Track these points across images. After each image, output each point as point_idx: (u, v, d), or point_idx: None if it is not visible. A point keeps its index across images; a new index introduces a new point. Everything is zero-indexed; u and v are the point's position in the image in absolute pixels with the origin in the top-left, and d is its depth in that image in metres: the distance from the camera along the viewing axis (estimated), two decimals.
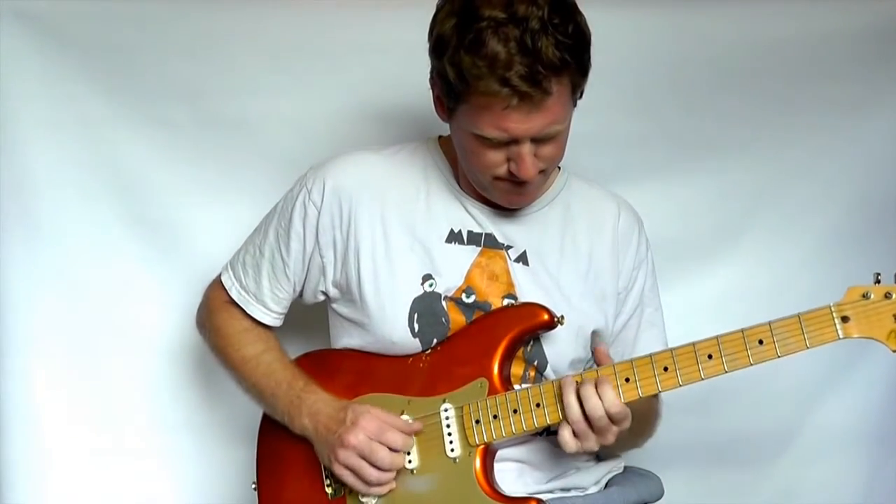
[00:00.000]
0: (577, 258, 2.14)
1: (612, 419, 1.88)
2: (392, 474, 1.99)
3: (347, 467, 1.98)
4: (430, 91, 2.04)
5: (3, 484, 2.51)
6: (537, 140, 1.93)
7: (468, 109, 1.91)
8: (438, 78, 1.95)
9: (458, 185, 2.13)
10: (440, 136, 2.20)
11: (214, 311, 2.24)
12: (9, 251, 2.52)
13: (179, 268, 2.59)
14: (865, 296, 1.81)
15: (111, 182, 2.57)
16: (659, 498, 2.19)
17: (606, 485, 2.16)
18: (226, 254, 2.29)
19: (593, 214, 2.19)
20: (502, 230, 2.12)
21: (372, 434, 1.97)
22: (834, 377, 2.71)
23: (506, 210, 2.11)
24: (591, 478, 2.13)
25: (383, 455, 1.97)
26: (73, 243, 2.56)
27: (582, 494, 2.10)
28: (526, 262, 2.11)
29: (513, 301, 2.07)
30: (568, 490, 2.09)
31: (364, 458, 1.97)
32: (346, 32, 2.59)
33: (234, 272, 2.22)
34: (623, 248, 2.19)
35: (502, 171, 1.98)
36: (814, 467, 2.73)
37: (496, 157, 1.95)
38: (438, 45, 1.92)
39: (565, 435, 1.90)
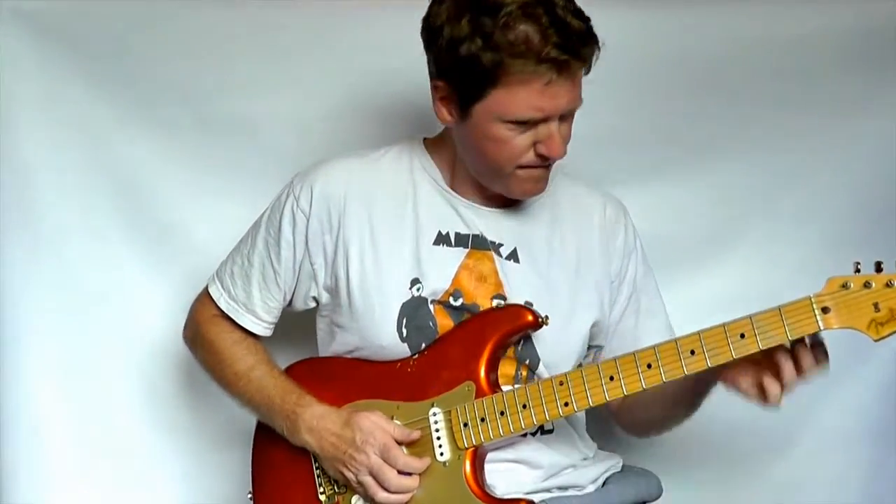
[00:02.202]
0: (565, 254, 2.13)
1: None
2: (404, 497, 1.98)
3: (361, 484, 2.00)
4: (431, 94, 2.02)
5: (2, 484, 2.53)
6: (561, 118, 1.95)
7: (499, 97, 1.91)
8: (453, 75, 1.95)
9: (447, 185, 2.12)
10: (425, 138, 2.19)
11: (203, 326, 2.24)
12: (9, 252, 2.54)
13: (179, 268, 2.59)
14: (845, 286, 1.78)
15: (111, 182, 2.58)
16: (657, 497, 2.18)
17: (604, 483, 2.15)
18: (225, 254, 2.28)
19: (579, 210, 2.18)
20: (492, 228, 2.10)
21: (380, 453, 1.98)
22: (833, 376, 2.60)
23: (495, 208, 2.11)
24: (589, 476, 2.12)
25: (391, 477, 1.97)
26: (73, 244, 2.57)
27: (580, 493, 2.09)
28: (517, 260, 2.10)
29: (501, 302, 2.06)
30: (565, 489, 2.08)
31: (374, 477, 1.98)
32: (345, 33, 2.59)
33: (221, 283, 2.21)
34: (611, 237, 2.18)
35: (528, 157, 1.98)
36: (813, 467, 2.70)
37: (523, 142, 1.96)
38: (453, 42, 1.91)
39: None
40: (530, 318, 2.00)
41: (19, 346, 2.55)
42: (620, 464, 2.21)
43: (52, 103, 2.54)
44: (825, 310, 1.79)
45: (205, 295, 2.25)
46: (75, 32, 2.53)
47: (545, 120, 1.93)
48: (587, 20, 1.92)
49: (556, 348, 2.08)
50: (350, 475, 2.00)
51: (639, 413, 2.18)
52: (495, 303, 2.06)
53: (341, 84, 2.60)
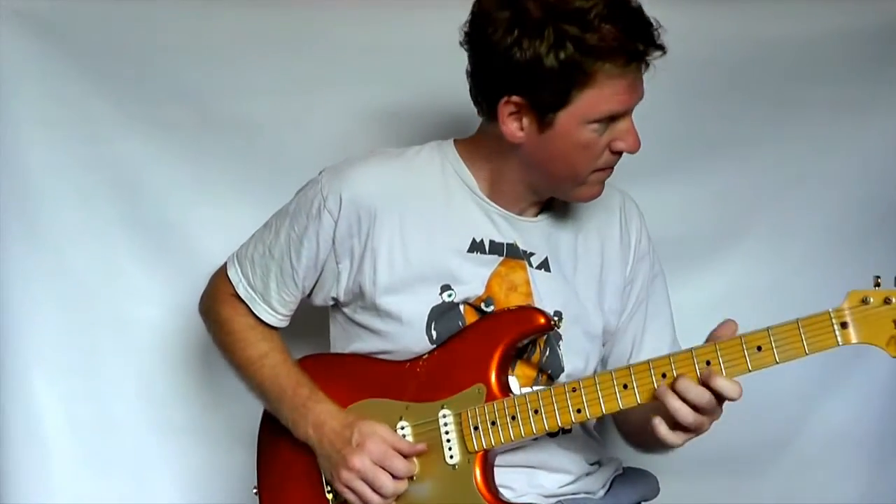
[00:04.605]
0: (589, 259, 2.14)
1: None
2: (394, 500, 1.98)
3: (350, 489, 1.98)
4: (499, 113, 1.96)
5: (3, 484, 2.52)
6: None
7: (587, 98, 1.89)
8: (533, 88, 1.91)
9: (482, 193, 2.09)
10: (455, 140, 2.14)
11: (219, 303, 2.21)
12: (8, 251, 2.53)
13: (179, 268, 2.59)
14: (865, 301, 1.77)
15: (111, 182, 2.58)
16: (655, 496, 2.20)
17: (611, 486, 2.16)
18: (225, 254, 2.25)
19: (600, 207, 2.16)
20: (525, 237, 2.09)
21: (376, 459, 1.96)
22: (833, 378, 2.69)
23: (529, 218, 2.10)
24: (600, 482, 2.14)
25: (386, 482, 1.96)
26: (73, 243, 2.57)
27: (596, 498, 2.11)
28: (548, 269, 2.09)
29: None
30: (578, 494, 2.09)
31: (367, 482, 1.96)
32: (347, 33, 2.58)
33: (241, 268, 2.18)
34: (629, 236, 2.20)
35: (605, 158, 1.98)
36: (813, 466, 2.72)
37: (603, 143, 1.96)
38: (537, 56, 1.87)
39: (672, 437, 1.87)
40: (542, 320, 1.99)
41: (19, 346, 2.55)
42: (622, 466, 2.22)
43: (52, 103, 2.54)
44: (844, 325, 1.78)
45: (223, 273, 2.21)
46: (75, 32, 2.53)
47: (624, 114, 1.95)
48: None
49: (580, 357, 2.09)
50: (339, 479, 1.98)
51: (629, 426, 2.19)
52: None
53: (344, 84, 2.59)
